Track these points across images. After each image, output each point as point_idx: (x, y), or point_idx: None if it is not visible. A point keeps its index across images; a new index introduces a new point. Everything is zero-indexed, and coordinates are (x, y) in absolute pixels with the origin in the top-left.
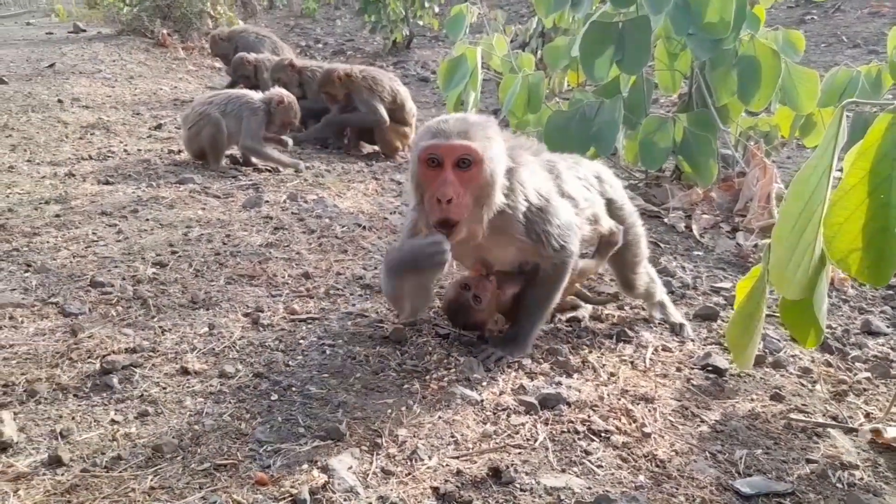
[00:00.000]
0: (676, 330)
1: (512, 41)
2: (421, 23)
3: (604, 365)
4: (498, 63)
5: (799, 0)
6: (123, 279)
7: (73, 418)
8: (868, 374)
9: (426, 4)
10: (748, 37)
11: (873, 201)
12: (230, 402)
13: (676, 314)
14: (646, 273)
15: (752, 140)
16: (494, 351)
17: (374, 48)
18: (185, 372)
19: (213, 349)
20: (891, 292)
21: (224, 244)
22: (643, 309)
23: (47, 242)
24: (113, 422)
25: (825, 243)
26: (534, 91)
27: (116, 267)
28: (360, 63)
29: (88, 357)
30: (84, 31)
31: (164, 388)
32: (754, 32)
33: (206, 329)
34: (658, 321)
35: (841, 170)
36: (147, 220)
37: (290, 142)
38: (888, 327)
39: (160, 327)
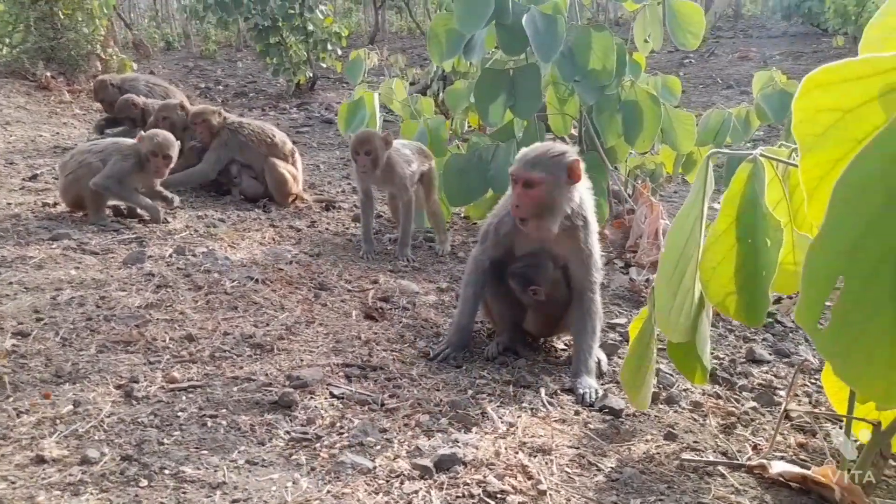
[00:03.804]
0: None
1: (413, 84)
2: (324, 65)
3: (502, 415)
4: (398, 107)
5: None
6: None
7: None
8: (754, 404)
9: (329, 47)
10: (629, 83)
11: (742, 246)
12: (91, 494)
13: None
14: None
15: (640, 178)
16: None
17: (278, 90)
18: (40, 461)
19: (77, 431)
20: (770, 320)
21: (98, 307)
22: (546, 351)
23: None
24: None
25: (703, 286)
26: (435, 135)
27: None
28: (262, 104)
29: None
30: None
31: (13, 483)
32: (635, 79)
33: (70, 407)
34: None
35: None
36: (10, 283)
37: (177, 199)
38: (770, 354)
39: (15, 409)
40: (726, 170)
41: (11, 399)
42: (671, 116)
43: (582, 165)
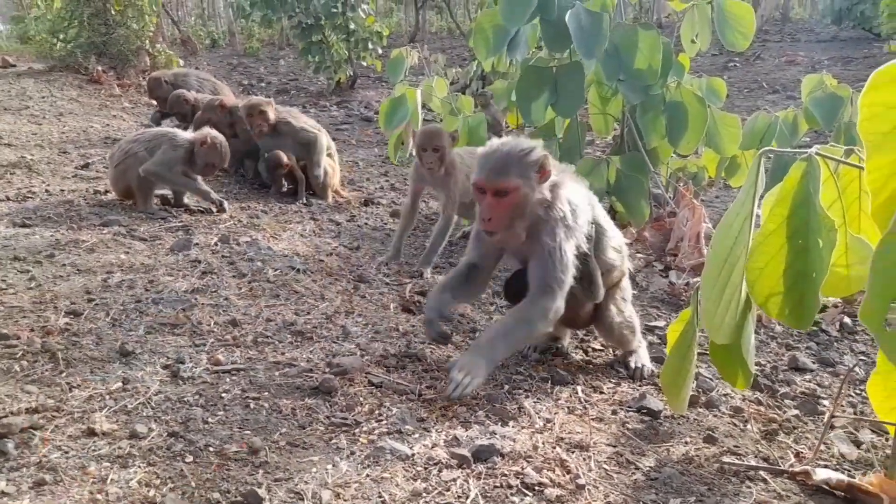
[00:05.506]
0: (633, 374)
1: (452, 84)
2: (365, 63)
3: (539, 411)
4: (438, 105)
5: (722, 48)
6: (32, 330)
7: None
8: (797, 412)
9: (370, 46)
10: (675, 84)
11: (792, 246)
12: (139, 467)
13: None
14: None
15: (682, 181)
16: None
17: (318, 87)
18: (91, 433)
19: (126, 406)
20: (815, 328)
21: (146, 290)
22: (582, 350)
23: None
24: (3, 493)
25: (749, 287)
26: (474, 133)
27: (25, 317)
28: (303, 101)
29: None
30: (13, 66)
31: (66, 453)
32: (680, 79)
33: (120, 384)
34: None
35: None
36: (64, 265)
37: (226, 204)
38: (814, 363)
39: (68, 383)
40: (771, 172)
41: (64, 374)
42: (716, 119)
43: (551, 161)
